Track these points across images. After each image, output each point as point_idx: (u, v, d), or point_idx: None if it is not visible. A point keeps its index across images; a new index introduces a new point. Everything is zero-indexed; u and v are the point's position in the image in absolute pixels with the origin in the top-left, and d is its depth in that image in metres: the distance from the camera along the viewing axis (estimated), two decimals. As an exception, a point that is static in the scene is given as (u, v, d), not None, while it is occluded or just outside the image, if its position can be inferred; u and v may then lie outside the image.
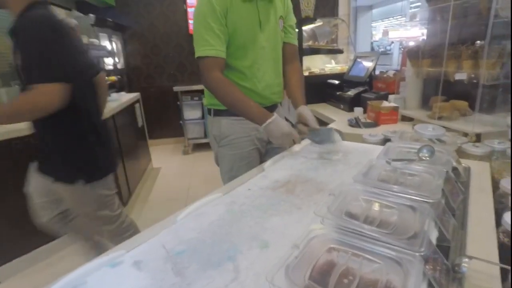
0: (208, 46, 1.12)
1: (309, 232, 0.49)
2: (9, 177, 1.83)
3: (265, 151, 1.40)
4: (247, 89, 1.24)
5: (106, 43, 3.42)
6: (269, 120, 1.09)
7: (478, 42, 1.31)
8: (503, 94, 1.27)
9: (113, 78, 3.14)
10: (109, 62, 3.54)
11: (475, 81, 1.27)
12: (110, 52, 3.17)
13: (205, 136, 4.15)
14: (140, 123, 3.32)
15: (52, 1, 3.08)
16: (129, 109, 2.95)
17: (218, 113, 1.31)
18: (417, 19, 1.63)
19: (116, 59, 3.82)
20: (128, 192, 2.69)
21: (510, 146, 1.03)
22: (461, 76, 1.28)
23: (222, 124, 1.30)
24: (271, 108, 1.34)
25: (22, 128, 1.83)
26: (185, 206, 0.75)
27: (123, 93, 3.22)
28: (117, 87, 3.13)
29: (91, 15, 3.12)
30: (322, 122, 2.12)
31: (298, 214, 0.69)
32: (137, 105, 3.28)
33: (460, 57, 1.36)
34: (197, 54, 1.15)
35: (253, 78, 1.25)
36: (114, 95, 2.88)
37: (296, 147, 1.17)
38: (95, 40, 2.87)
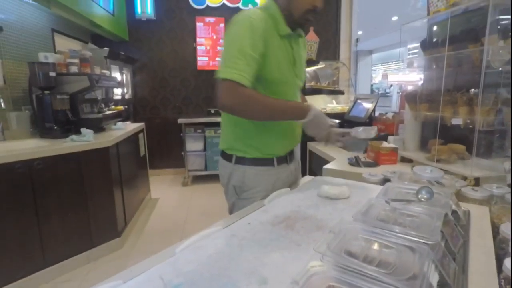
0: (236, 70, 0.98)
1: (308, 268, 0.49)
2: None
3: None
4: (276, 127, 1.18)
5: (116, 74, 3.57)
6: (313, 113, 1.06)
7: (472, 90, 1.37)
8: (499, 140, 1.31)
9: (120, 107, 3.23)
10: (117, 92, 3.66)
11: (471, 126, 1.31)
12: (119, 83, 3.30)
13: (206, 168, 4.16)
14: (142, 153, 3.36)
15: (69, 34, 3.28)
16: (132, 138, 3.00)
17: (241, 161, 1.18)
18: (414, 66, 1.72)
19: (125, 90, 3.95)
20: (124, 221, 2.65)
21: (509, 191, 1.04)
22: (457, 121, 1.33)
23: (246, 174, 1.18)
24: (293, 154, 1.32)
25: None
26: (181, 238, 0.75)
27: (128, 122, 3.29)
28: (123, 116, 3.21)
29: (106, 48, 3.29)
30: (323, 160, 2.15)
31: (298, 251, 0.68)
32: (141, 134, 3.33)
33: (456, 103, 1.41)
34: (222, 75, 0.99)
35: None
36: (119, 124, 2.95)
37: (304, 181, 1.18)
38: (106, 72, 3.00)
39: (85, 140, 2.19)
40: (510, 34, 1.31)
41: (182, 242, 0.74)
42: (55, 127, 2.27)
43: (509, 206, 0.93)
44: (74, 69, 2.40)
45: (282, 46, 1.12)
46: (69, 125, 2.35)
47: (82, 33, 3.62)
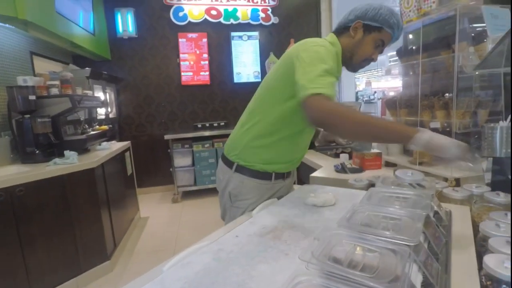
0: (325, 87, 0.95)
1: (293, 277, 0.50)
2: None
3: None
4: (284, 150, 1.21)
5: (100, 94, 3.54)
6: (422, 141, 0.86)
7: (447, 94, 1.43)
8: (476, 141, 1.36)
9: (105, 127, 3.20)
10: (101, 112, 3.63)
11: (448, 129, 1.36)
12: (103, 102, 3.27)
13: (195, 183, 4.13)
14: (129, 171, 3.31)
15: (49, 55, 3.25)
16: (118, 157, 2.96)
17: (241, 170, 1.21)
18: (392, 73, 1.78)
19: (109, 109, 3.92)
20: (113, 244, 2.59)
21: (488, 190, 1.08)
22: (435, 125, 1.38)
23: (244, 184, 1.21)
24: (292, 172, 1.35)
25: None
26: (173, 256, 0.75)
27: (114, 142, 3.25)
28: (108, 136, 3.18)
29: (87, 68, 3.27)
30: (310, 168, 2.17)
31: (285, 261, 0.69)
32: (127, 153, 3.29)
33: (433, 107, 1.47)
34: (311, 91, 0.94)
35: (302, 146, 1.26)
36: (104, 144, 2.91)
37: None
38: (89, 92, 2.97)
39: (69, 162, 2.15)
40: (484, 40, 1.38)
41: (170, 260, 0.73)
42: (37, 151, 2.22)
43: (488, 204, 0.97)
44: (55, 91, 2.37)
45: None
46: (52, 148, 2.30)
47: (62, 54, 3.60)
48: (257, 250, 0.74)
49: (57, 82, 2.42)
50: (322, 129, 1.43)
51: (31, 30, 2.45)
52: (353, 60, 1.17)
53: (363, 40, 1.13)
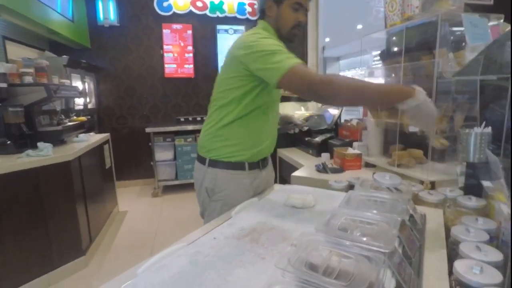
0: (293, 58, 1.00)
1: (268, 286, 0.49)
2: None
3: None
4: (250, 137, 1.24)
5: (78, 83, 3.41)
6: (422, 97, 0.89)
7: (426, 99, 1.46)
8: (452, 146, 1.40)
9: (83, 118, 3.09)
10: (79, 102, 3.50)
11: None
12: (81, 92, 3.16)
13: (176, 177, 4.07)
14: (108, 165, 3.22)
15: (24, 41, 3.09)
16: (97, 150, 2.87)
17: (214, 164, 1.23)
18: (374, 76, 1.81)
19: (87, 99, 3.79)
20: (89, 238, 2.52)
21: (461, 194, 1.11)
22: (414, 128, 1.41)
23: (219, 177, 1.23)
24: (267, 160, 1.39)
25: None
26: (151, 252, 0.73)
27: (92, 133, 3.15)
28: (86, 127, 3.07)
29: (65, 56, 3.14)
30: (292, 167, 2.18)
31: (262, 265, 0.68)
32: (106, 146, 3.20)
33: (412, 111, 1.49)
34: (286, 66, 0.97)
35: (267, 129, 1.28)
36: (82, 136, 2.81)
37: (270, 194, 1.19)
38: (66, 81, 2.85)
39: (43, 154, 2.06)
40: (463, 44, 1.42)
41: (144, 263, 0.71)
42: (8, 142, 2.12)
43: (461, 209, 1.00)
44: (28, 79, 2.25)
45: None
46: (24, 139, 2.19)
47: (38, 40, 3.43)
48: (234, 254, 0.73)
49: (31, 70, 2.31)
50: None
51: (4, 13, 2.32)
52: (283, 33, 1.21)
53: (280, 13, 1.18)
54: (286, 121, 1.54)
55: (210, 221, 1.01)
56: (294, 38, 1.24)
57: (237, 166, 1.23)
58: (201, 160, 1.28)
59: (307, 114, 3.08)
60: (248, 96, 1.16)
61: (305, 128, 1.56)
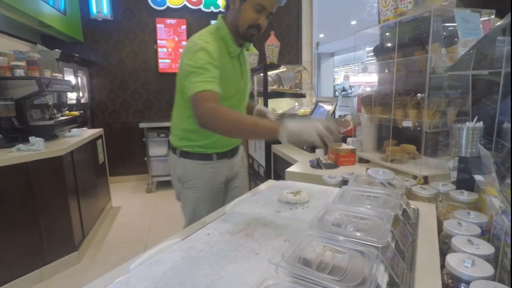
0: (205, 83, 1.07)
1: (262, 281, 0.49)
2: None
3: (228, 189, 1.46)
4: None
5: (70, 77, 3.36)
6: (285, 133, 0.92)
7: (419, 94, 1.47)
8: (444, 140, 1.41)
9: (75, 113, 3.05)
10: (72, 97, 3.45)
11: (419, 128, 1.40)
12: (73, 86, 3.11)
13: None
14: (101, 160, 3.19)
15: (16, 34, 3.03)
16: (90, 145, 2.84)
17: (184, 155, 1.32)
18: (368, 71, 1.81)
19: (80, 94, 3.73)
20: (82, 234, 2.50)
21: (453, 188, 1.12)
22: (407, 123, 1.42)
23: (188, 167, 1.32)
24: (236, 150, 1.44)
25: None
26: (144, 248, 0.73)
27: (85, 128, 3.11)
28: (79, 122, 3.03)
29: (57, 50, 3.09)
30: (286, 162, 2.18)
31: (256, 260, 0.68)
32: (99, 141, 3.17)
33: (406, 106, 1.50)
34: (193, 90, 1.06)
35: None
36: (74, 131, 2.77)
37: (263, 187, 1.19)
38: (58, 75, 2.81)
39: (34, 149, 2.03)
40: (456, 40, 1.42)
41: (137, 258, 0.71)
42: (-1, 136, 2.09)
43: (453, 203, 1.01)
44: (20, 72, 2.21)
45: (233, 64, 1.26)
46: (16, 133, 2.16)
47: (30, 33, 3.36)
48: (227, 249, 0.73)
49: (22, 63, 2.27)
50: (256, 108, 1.55)
51: (-7, 5, 2.27)
52: (240, 30, 1.22)
53: (241, 8, 1.18)
54: (261, 115, 1.53)
55: (205, 215, 1.02)
56: (251, 38, 1.25)
57: (205, 157, 1.32)
58: (173, 149, 1.37)
59: (301, 110, 3.09)
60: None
61: None
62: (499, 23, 0.88)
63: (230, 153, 1.40)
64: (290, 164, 1.98)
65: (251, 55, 3.19)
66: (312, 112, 2.62)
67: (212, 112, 1.03)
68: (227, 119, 1.02)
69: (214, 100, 1.05)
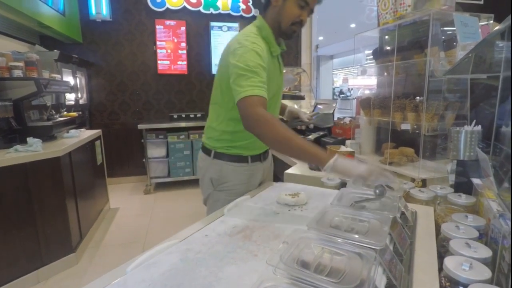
0: (255, 88, 1.05)
1: (260, 283, 0.49)
2: None
3: None
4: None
5: (69, 78, 3.35)
6: (331, 166, 0.91)
7: (418, 98, 1.47)
8: (443, 144, 1.42)
9: (74, 113, 3.04)
10: (70, 98, 3.45)
11: (417, 131, 1.41)
12: (72, 87, 3.11)
13: (169, 175, 4.04)
14: (99, 161, 3.18)
15: (15, 35, 3.03)
16: (88, 146, 2.83)
17: (219, 156, 1.29)
18: (367, 74, 1.82)
19: (79, 95, 3.73)
20: (79, 235, 2.49)
21: (451, 191, 1.12)
22: (406, 126, 1.42)
23: (223, 168, 1.29)
24: (267, 154, 1.44)
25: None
26: (142, 250, 0.72)
27: (83, 129, 3.10)
28: (77, 123, 3.02)
29: (56, 50, 3.08)
30: (285, 164, 2.18)
31: (254, 262, 0.68)
32: (97, 142, 3.16)
33: (405, 109, 1.51)
34: (243, 94, 1.04)
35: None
36: (73, 132, 2.77)
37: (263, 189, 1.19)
38: (57, 76, 2.80)
39: (32, 150, 2.02)
40: (454, 43, 1.43)
41: (135, 260, 0.70)
42: (-4, 137, 2.08)
43: (451, 206, 1.01)
44: (18, 73, 2.21)
45: (274, 63, 1.25)
46: (13, 134, 2.15)
47: (28, 33, 3.36)
48: (226, 251, 0.73)
49: (21, 64, 2.26)
50: (288, 109, 1.57)
51: (-8, 5, 2.27)
52: (282, 28, 1.21)
53: (285, 5, 1.18)
54: (293, 116, 1.55)
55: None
56: (293, 35, 1.25)
57: (241, 159, 1.29)
58: (206, 151, 1.33)
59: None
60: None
61: (312, 126, 1.57)
62: (497, 27, 0.88)
63: (263, 156, 1.38)
64: (288, 166, 1.98)
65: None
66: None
67: (263, 119, 1.01)
68: (278, 132, 0.99)
69: (263, 105, 1.05)
